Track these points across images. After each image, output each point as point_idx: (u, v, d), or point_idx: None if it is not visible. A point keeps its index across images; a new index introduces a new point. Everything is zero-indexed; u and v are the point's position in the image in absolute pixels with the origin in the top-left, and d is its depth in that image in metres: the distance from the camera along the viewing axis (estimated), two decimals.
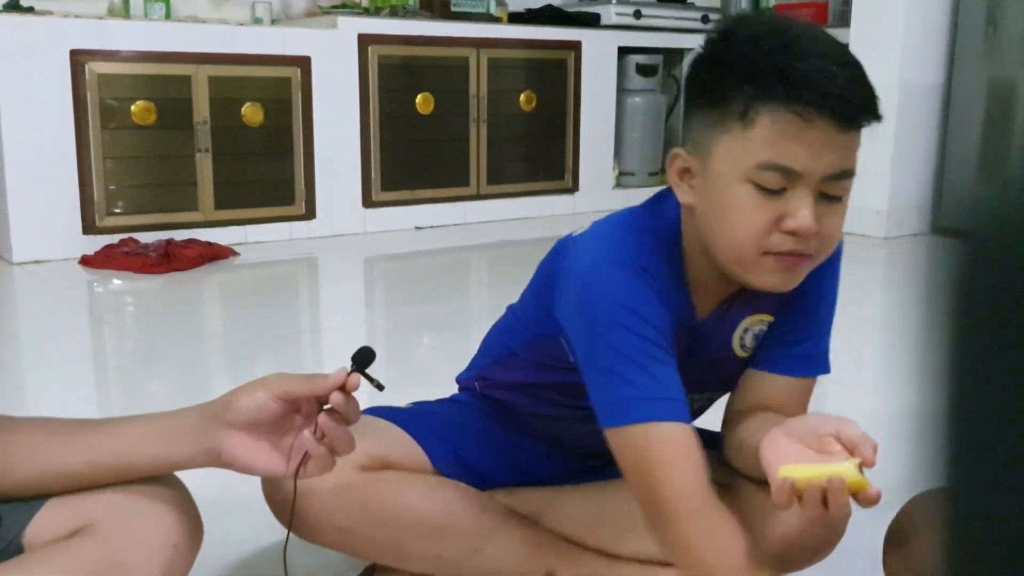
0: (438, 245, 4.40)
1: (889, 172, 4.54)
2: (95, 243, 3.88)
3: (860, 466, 0.97)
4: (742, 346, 1.25)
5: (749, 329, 1.24)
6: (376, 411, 1.36)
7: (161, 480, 0.98)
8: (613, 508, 1.33)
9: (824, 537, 1.18)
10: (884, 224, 4.57)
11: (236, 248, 4.06)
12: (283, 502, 1.21)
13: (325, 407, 0.98)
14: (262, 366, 2.56)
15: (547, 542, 1.32)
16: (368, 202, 4.57)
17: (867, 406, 2.24)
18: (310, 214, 4.42)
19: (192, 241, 3.98)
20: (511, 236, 4.54)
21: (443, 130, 4.74)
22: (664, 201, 1.19)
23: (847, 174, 1.06)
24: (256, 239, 4.27)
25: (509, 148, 4.96)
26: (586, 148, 5.21)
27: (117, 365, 2.69)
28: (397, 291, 3.70)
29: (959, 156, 4.57)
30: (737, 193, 1.05)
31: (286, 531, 1.18)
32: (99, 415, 1.76)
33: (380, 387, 1.00)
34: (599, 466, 1.36)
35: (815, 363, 1.25)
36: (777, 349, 1.24)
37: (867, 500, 0.98)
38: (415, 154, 4.67)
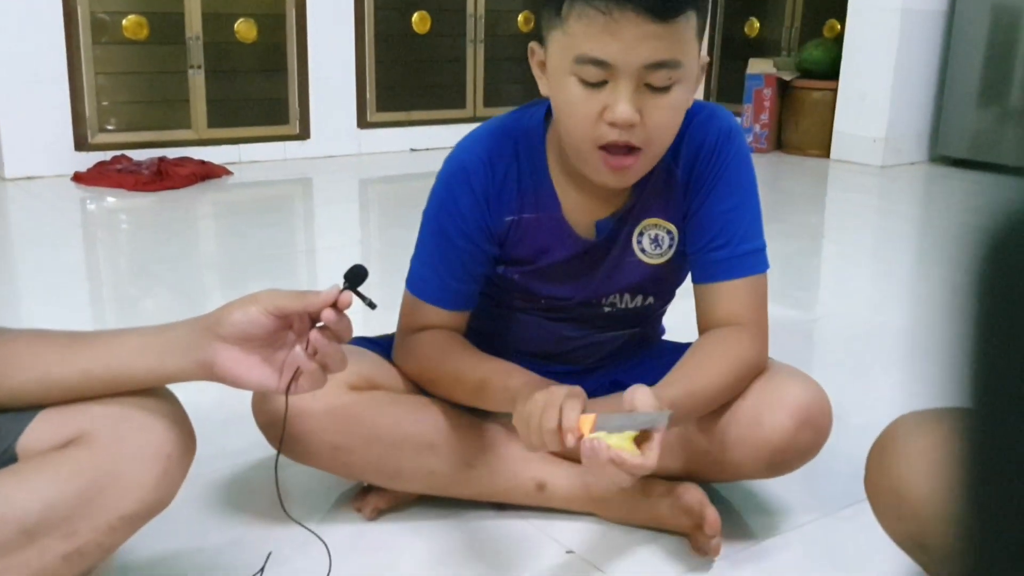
0: (433, 168, 4.34)
1: (888, 99, 4.51)
2: (88, 160, 3.85)
3: (636, 438, 1.04)
4: (641, 250, 1.29)
5: (644, 233, 1.29)
6: (359, 341, 1.37)
7: (154, 392, 0.99)
8: None
9: (808, 441, 1.24)
10: (881, 152, 4.55)
11: (229, 167, 4.04)
12: (272, 422, 1.22)
13: (318, 324, 0.98)
14: (255, 284, 2.53)
15: (537, 456, 1.33)
16: (363, 123, 4.53)
17: (861, 332, 2.26)
18: (304, 134, 4.38)
19: (185, 159, 3.95)
20: None
21: (439, 50, 4.68)
22: (530, 107, 1.28)
23: (666, 64, 1.09)
24: (249, 158, 4.24)
25: (507, 70, 4.90)
26: None
27: (110, 282, 2.69)
28: (392, 213, 3.69)
29: (960, 84, 4.53)
30: (567, 87, 1.13)
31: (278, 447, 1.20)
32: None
33: (372, 305, 1.00)
34: (576, 370, 1.39)
35: (745, 263, 1.27)
36: (700, 258, 1.28)
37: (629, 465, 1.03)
38: (411, 75, 4.62)
